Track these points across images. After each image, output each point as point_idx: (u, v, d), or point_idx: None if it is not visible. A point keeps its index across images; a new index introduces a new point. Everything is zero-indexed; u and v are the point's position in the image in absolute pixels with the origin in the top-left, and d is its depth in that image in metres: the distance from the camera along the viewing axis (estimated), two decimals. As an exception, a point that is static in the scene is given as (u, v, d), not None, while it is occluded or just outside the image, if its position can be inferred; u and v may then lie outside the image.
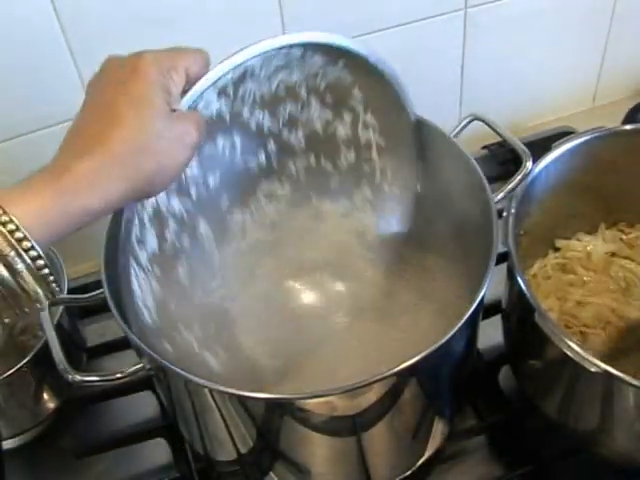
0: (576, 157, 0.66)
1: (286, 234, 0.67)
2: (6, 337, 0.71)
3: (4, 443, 0.70)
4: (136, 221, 0.53)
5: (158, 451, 0.70)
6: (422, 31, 0.81)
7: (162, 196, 0.55)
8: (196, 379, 0.50)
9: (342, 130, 0.62)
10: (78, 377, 0.53)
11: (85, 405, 0.73)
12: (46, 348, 0.64)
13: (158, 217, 0.56)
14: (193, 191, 0.58)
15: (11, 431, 0.69)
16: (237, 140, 0.60)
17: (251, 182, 0.63)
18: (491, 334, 0.69)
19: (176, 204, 0.57)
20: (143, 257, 0.55)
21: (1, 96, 0.70)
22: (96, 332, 0.76)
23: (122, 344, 0.75)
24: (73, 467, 0.70)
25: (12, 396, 0.66)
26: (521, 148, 0.61)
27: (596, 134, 0.67)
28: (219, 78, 0.50)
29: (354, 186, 0.66)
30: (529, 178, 0.61)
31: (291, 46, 0.52)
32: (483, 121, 0.63)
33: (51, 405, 0.70)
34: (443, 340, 0.50)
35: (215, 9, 0.72)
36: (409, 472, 0.62)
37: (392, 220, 0.67)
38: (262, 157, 0.62)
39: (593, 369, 0.51)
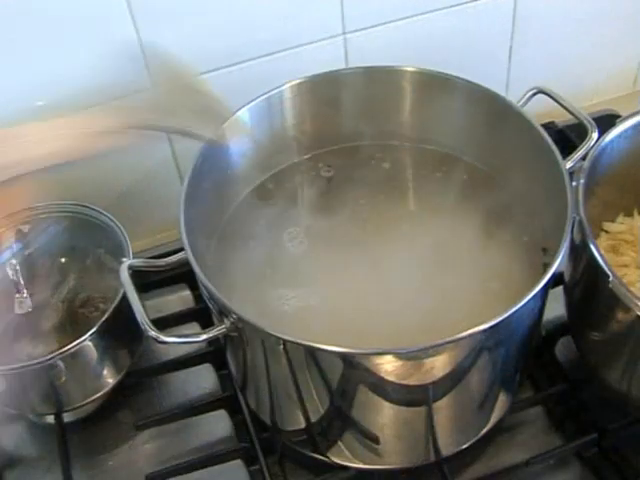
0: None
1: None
2: (66, 310, 0.71)
3: (65, 416, 0.70)
4: None
5: (218, 423, 0.70)
6: (473, 13, 0.82)
7: None
8: (277, 333, 0.51)
9: None
10: (163, 337, 0.53)
11: (145, 378, 0.74)
12: (110, 321, 0.65)
13: None
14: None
15: (72, 404, 0.69)
16: None
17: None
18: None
19: None
20: None
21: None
22: (153, 308, 0.76)
23: (180, 319, 0.76)
24: (133, 439, 0.71)
25: (75, 369, 0.66)
26: (587, 119, 0.62)
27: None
28: None
29: None
30: (596, 151, 0.62)
31: None
32: (548, 94, 0.64)
33: (111, 379, 0.70)
34: (522, 301, 0.51)
35: None
36: (472, 441, 0.63)
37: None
38: None
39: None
